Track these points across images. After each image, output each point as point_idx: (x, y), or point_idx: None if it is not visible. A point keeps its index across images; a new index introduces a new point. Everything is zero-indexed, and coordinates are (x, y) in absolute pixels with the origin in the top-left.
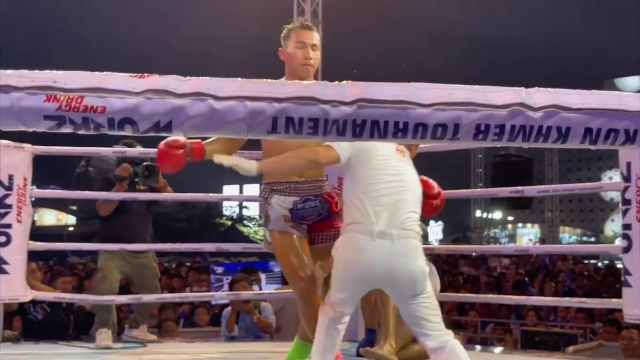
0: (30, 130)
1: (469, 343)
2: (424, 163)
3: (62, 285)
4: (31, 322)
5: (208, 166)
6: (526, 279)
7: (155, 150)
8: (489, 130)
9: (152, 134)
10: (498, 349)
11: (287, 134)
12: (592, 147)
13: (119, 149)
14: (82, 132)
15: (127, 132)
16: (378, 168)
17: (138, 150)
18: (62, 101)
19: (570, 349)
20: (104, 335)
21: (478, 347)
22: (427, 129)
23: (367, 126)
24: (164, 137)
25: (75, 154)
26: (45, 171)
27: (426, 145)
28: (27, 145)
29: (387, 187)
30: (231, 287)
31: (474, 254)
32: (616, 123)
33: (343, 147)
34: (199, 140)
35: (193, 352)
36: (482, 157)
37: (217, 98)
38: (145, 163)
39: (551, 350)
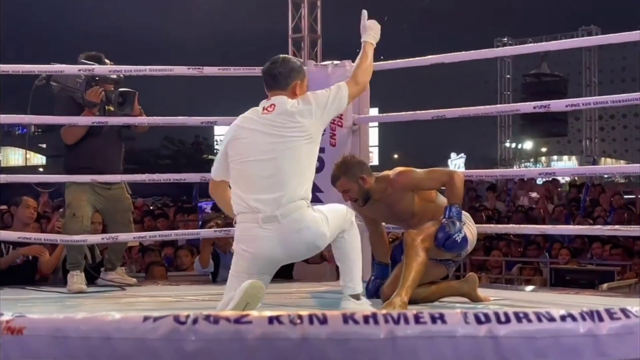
0: None
1: (493, 283)
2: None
3: (58, 224)
4: None
5: (199, 98)
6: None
7: (129, 67)
8: None
9: None
10: (528, 288)
11: None
12: None
13: (86, 66)
14: None
15: None
16: (246, 154)
17: (108, 68)
18: None
19: (604, 286)
20: (76, 279)
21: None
22: None
23: None
24: None
25: (38, 72)
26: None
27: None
28: None
29: (259, 170)
30: (202, 227)
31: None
32: None
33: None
34: None
35: (177, 294)
36: (511, 78)
37: None
38: (120, 89)
39: (584, 288)
